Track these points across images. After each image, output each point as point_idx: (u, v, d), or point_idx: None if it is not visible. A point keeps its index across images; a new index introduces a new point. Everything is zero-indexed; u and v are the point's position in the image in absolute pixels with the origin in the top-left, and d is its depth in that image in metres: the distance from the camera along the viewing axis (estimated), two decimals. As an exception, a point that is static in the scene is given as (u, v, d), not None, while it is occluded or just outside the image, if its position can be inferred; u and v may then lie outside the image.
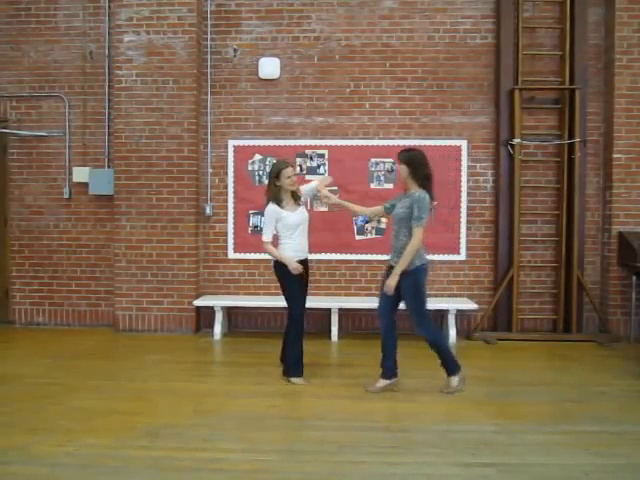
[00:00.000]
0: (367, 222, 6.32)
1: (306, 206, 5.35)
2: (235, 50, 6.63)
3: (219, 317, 6.28)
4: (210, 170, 6.66)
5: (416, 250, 4.13)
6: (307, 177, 6.33)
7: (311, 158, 6.57)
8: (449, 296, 6.50)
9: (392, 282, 4.15)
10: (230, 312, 6.63)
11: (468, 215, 6.52)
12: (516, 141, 6.25)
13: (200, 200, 6.60)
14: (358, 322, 6.55)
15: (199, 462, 3.13)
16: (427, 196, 4.16)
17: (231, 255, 6.67)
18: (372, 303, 5.02)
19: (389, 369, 4.37)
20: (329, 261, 6.57)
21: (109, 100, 6.64)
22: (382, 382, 4.36)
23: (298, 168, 6.46)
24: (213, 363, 5.54)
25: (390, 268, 4.27)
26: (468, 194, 6.51)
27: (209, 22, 6.58)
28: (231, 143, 6.64)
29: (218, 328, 6.25)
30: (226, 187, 6.66)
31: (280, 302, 4.87)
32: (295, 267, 4.48)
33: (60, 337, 6.27)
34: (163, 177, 6.43)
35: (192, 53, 6.39)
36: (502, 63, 6.37)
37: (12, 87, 6.76)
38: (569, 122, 6.29)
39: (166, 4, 6.34)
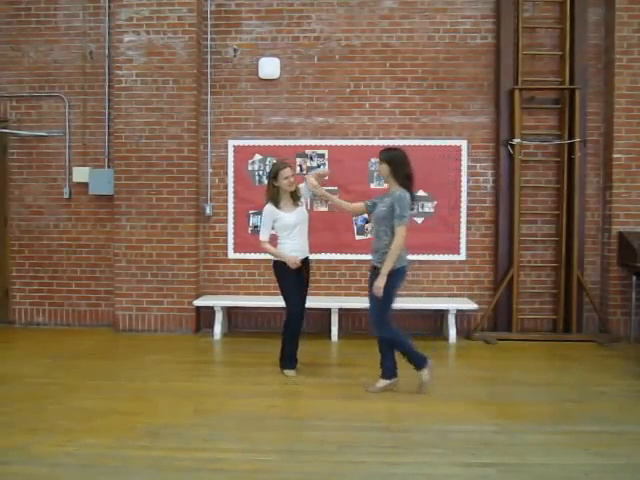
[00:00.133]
0: (367, 222, 6.33)
1: (306, 206, 5.35)
2: (235, 50, 6.62)
3: (219, 317, 6.28)
4: (210, 170, 6.66)
5: (400, 249, 4.13)
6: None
7: (311, 158, 6.57)
8: (449, 296, 6.50)
9: (381, 283, 4.13)
10: (230, 312, 6.63)
11: (468, 215, 6.52)
12: (516, 141, 6.25)
13: (200, 200, 6.60)
14: (358, 322, 6.55)
15: (199, 462, 3.13)
16: (408, 195, 4.18)
17: (231, 255, 6.67)
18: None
19: (389, 369, 4.37)
20: (329, 261, 6.57)
21: (109, 100, 6.64)
22: (382, 382, 4.37)
23: (298, 168, 6.47)
24: (213, 363, 5.54)
25: (374, 269, 4.27)
26: (468, 194, 6.50)
27: (209, 22, 6.58)
28: (231, 143, 6.64)
29: (218, 328, 6.25)
30: (226, 187, 6.66)
31: (280, 302, 4.88)
32: (291, 260, 4.51)
33: (60, 337, 6.27)
34: (163, 177, 6.43)
35: (192, 53, 6.39)
36: (502, 63, 6.37)
37: (12, 87, 6.76)
38: (569, 122, 6.29)
39: (166, 4, 6.34)
